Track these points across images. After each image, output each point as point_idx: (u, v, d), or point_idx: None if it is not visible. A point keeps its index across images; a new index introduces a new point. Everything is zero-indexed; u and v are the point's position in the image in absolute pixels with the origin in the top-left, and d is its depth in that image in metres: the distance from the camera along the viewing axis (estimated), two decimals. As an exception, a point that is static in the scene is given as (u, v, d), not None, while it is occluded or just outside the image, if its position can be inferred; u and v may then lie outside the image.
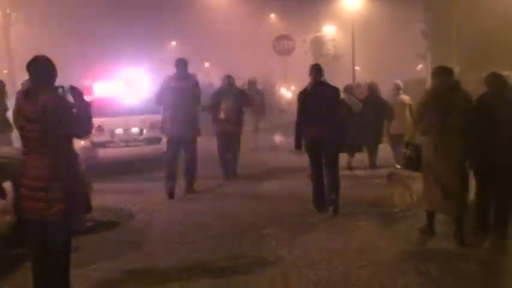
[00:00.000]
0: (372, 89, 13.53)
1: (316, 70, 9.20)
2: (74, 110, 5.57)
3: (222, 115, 12.37)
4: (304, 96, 9.22)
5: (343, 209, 9.15)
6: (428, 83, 24.92)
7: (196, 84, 11.29)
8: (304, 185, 10.55)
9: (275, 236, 7.97)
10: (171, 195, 10.92)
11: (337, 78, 32.57)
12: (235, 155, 12.98)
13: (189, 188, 11.32)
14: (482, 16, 26.99)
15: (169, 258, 7.21)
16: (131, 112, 14.19)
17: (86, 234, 8.29)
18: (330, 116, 8.95)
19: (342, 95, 11.70)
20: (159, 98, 11.13)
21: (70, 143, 5.60)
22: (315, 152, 9.13)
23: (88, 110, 5.66)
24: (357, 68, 47.77)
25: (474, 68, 28.48)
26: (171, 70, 11.16)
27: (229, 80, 12.77)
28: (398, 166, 8.77)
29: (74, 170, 5.56)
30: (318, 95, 9.05)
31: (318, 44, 33.26)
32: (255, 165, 14.50)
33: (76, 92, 5.63)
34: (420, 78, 26.33)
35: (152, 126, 13.91)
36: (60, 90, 5.54)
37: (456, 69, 18.96)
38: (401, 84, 13.63)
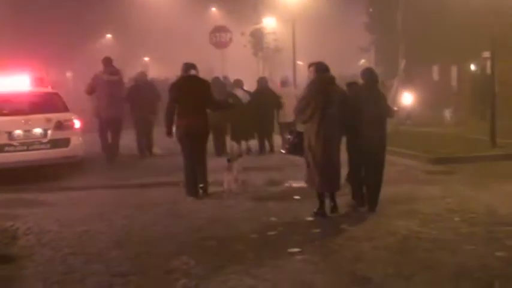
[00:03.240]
0: (261, 82, 15.33)
1: (191, 66, 10.18)
2: None
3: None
4: (178, 87, 10.02)
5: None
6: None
7: (121, 78, 14.66)
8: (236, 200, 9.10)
9: (185, 271, 6.22)
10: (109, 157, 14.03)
11: (280, 73, 31.13)
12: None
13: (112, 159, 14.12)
14: (427, 7, 25.97)
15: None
16: (33, 110, 12.25)
17: None
18: (201, 107, 9.95)
19: (232, 89, 15.14)
20: (92, 89, 14.04)
21: None
22: (187, 141, 9.82)
23: None
24: (299, 62, 46.56)
25: (421, 61, 27.67)
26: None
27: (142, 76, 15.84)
28: (283, 151, 9.74)
29: None
30: (190, 88, 9.93)
31: (257, 36, 31.48)
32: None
33: None
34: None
35: (59, 126, 12.03)
36: None
37: (402, 63, 17.63)
38: (289, 77, 17.21)
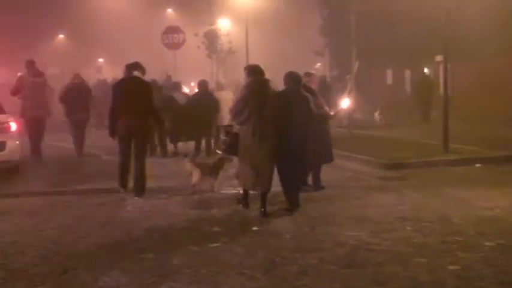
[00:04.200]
0: (202, 85, 15.31)
1: (134, 66, 10.24)
2: None
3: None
4: (119, 88, 10.14)
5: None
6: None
7: (45, 80, 14.91)
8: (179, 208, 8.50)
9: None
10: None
11: (235, 75, 30.57)
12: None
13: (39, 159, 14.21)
14: (380, 11, 25.87)
15: None
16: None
17: None
18: (141, 108, 9.94)
19: (172, 92, 15.51)
20: (17, 90, 14.21)
21: None
22: (125, 140, 10.02)
23: None
24: (256, 65, 46.05)
25: (375, 65, 27.53)
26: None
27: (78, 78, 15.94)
28: (219, 152, 9.95)
29: None
30: (132, 88, 10.02)
31: (211, 38, 30.92)
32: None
33: None
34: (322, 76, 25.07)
35: (-7, 129, 11.38)
36: None
37: (356, 65, 17.31)
38: (223, 81, 18.31)
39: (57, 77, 34.84)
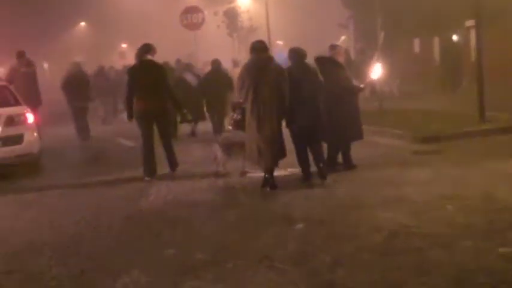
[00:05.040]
0: (214, 63, 15.03)
1: (145, 49, 10.18)
2: None
3: None
4: (134, 72, 10.16)
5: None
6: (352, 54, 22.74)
7: (35, 69, 15.32)
8: (190, 192, 8.02)
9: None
10: None
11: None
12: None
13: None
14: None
15: None
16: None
17: None
18: (158, 90, 9.98)
19: (183, 73, 15.44)
20: (9, 81, 13.52)
21: None
22: (144, 123, 9.99)
23: None
24: (279, 42, 45.35)
25: (401, 34, 26.66)
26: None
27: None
28: (229, 127, 10.09)
29: None
30: (146, 71, 10.02)
31: (231, 16, 30.42)
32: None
33: None
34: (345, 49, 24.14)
35: (10, 121, 10.99)
36: None
37: (381, 36, 16.65)
38: (238, 59, 18.39)
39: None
